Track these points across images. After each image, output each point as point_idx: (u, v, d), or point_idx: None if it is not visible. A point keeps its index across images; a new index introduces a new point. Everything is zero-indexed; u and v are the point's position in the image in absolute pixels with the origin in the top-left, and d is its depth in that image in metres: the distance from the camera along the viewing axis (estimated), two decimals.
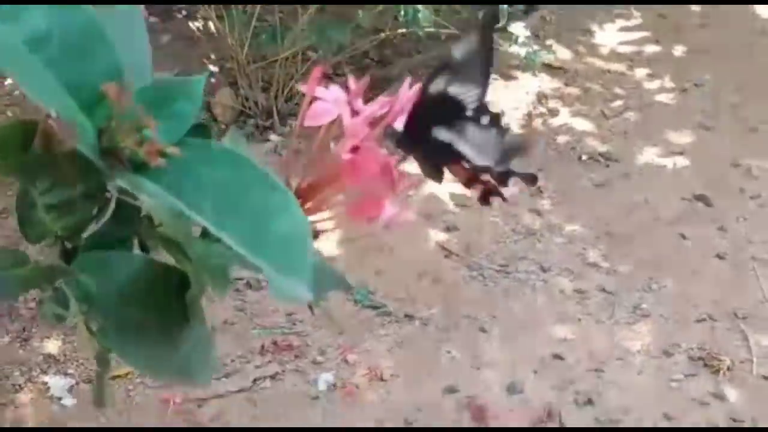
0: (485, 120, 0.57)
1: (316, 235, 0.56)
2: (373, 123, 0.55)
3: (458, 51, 0.57)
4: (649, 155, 2.73)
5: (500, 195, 0.58)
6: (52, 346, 1.97)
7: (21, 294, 0.55)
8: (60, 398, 1.87)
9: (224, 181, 0.48)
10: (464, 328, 2.09)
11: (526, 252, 2.33)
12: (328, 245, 2.15)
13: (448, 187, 2.26)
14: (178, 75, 0.60)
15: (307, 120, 0.54)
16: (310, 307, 0.62)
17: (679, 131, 2.82)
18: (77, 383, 1.90)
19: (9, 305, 2.03)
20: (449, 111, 0.57)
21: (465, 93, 0.57)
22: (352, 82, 0.55)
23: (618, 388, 1.99)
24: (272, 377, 1.94)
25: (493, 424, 1.87)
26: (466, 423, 1.87)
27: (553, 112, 2.90)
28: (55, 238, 0.55)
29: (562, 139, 2.78)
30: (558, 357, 2.05)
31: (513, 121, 2.79)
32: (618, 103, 2.98)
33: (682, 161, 2.70)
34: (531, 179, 0.58)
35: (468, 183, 0.58)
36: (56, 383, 1.89)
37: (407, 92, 0.55)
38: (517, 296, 2.20)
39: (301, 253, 0.46)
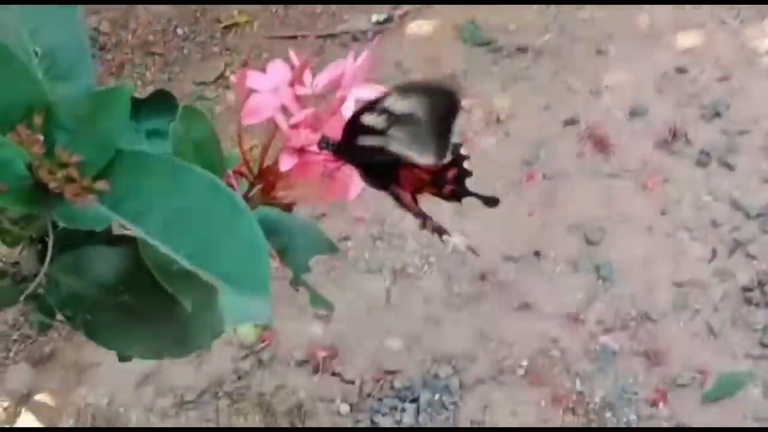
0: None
1: (289, 207, 0.55)
2: (314, 125, 0.49)
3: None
4: None
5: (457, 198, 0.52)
6: None
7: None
8: None
9: (168, 194, 0.46)
10: (580, 53, 2.01)
11: None
12: None
13: None
14: None
15: (245, 118, 0.50)
16: None
17: None
18: None
19: None
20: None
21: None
22: (293, 56, 0.51)
23: (746, 96, 1.91)
24: None
25: (616, 152, 1.86)
26: (589, 154, 1.86)
27: None
28: (30, 241, 0.55)
29: None
30: (681, 70, 1.96)
31: None
32: None
33: None
34: (492, 201, 0.53)
35: (415, 196, 0.52)
36: None
37: (354, 63, 0.50)
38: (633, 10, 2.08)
39: (258, 266, 0.44)
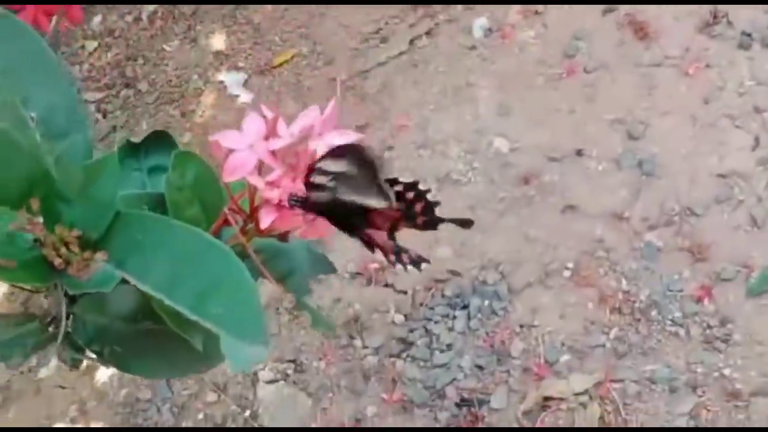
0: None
1: (284, 237, 0.58)
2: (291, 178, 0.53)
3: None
4: None
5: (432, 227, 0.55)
6: (218, 41, 2.05)
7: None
8: (238, 95, 1.99)
9: (165, 250, 0.51)
10: None
11: None
12: None
13: None
14: None
15: (226, 177, 0.53)
16: None
17: None
18: (249, 77, 2.00)
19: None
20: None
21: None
22: (265, 110, 0.53)
23: None
24: (428, 33, 1.96)
25: (656, 38, 1.83)
26: (630, 43, 1.84)
27: None
28: (54, 287, 0.59)
29: None
30: None
31: None
32: None
33: None
34: (466, 223, 0.56)
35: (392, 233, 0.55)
36: (231, 80, 2.01)
37: (324, 113, 0.53)
38: None
39: (251, 315, 0.48)
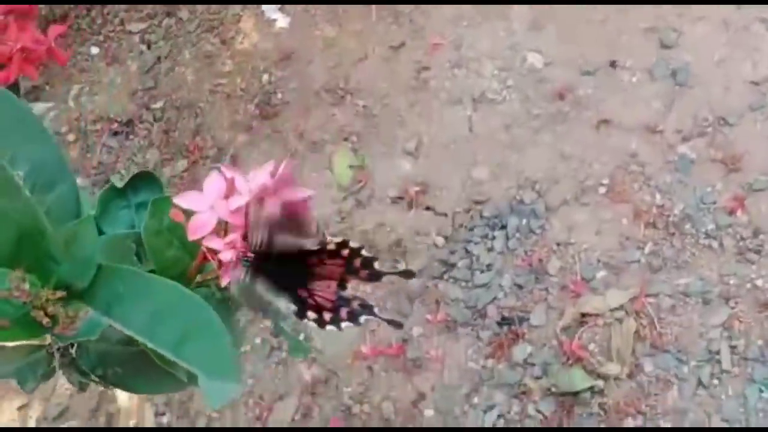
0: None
1: None
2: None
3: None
4: None
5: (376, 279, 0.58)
6: None
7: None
8: (275, 19, 2.00)
9: (144, 299, 0.56)
10: None
11: None
12: None
13: None
14: None
15: (191, 235, 0.56)
16: None
17: None
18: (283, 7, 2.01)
19: None
20: None
21: None
22: (225, 169, 0.57)
23: None
24: None
25: None
26: None
27: None
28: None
29: None
30: None
31: None
32: None
33: None
34: (408, 274, 0.61)
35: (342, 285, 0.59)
36: (268, 5, 2.02)
37: (279, 171, 0.56)
38: None
39: (223, 357, 0.54)
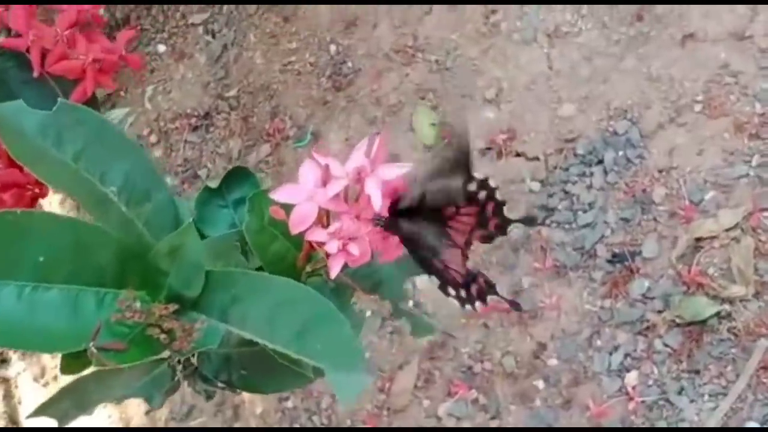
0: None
1: None
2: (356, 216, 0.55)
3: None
4: None
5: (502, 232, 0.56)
6: None
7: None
8: None
9: (258, 300, 0.55)
10: None
11: None
12: None
13: None
14: None
15: (294, 229, 0.54)
16: None
17: None
18: None
19: None
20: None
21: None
22: (317, 155, 0.54)
23: None
24: None
25: None
26: None
27: None
28: None
29: None
30: None
31: None
32: None
33: None
34: (530, 221, 0.58)
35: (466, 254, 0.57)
36: None
37: (370, 147, 0.54)
38: None
39: (348, 346, 0.53)
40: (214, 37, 2.06)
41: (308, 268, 0.63)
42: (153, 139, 1.94)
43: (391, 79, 1.78)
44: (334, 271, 0.55)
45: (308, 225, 0.54)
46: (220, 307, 0.57)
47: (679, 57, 1.59)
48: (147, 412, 1.67)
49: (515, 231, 1.60)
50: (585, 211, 1.57)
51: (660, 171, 1.54)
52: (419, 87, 1.75)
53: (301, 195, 0.54)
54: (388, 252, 0.58)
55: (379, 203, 0.53)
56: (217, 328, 0.57)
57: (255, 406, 1.62)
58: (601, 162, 1.58)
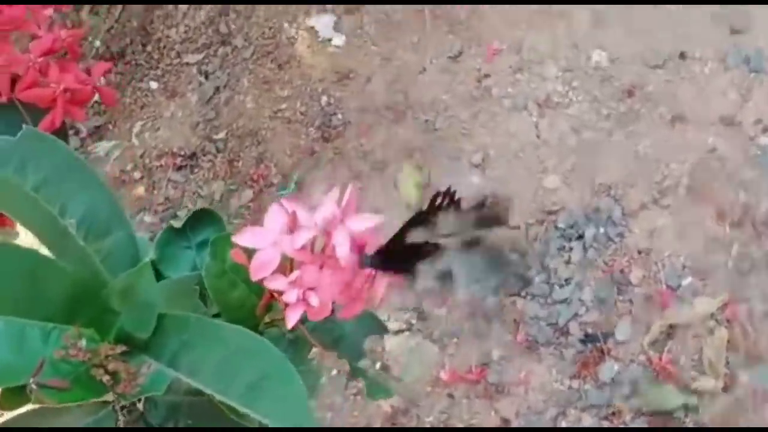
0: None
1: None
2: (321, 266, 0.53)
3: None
4: None
5: None
6: None
7: None
8: (330, 39, 1.97)
9: (210, 348, 0.53)
10: None
11: None
12: None
13: None
14: None
15: (254, 275, 0.52)
16: None
17: None
18: (338, 18, 1.98)
19: None
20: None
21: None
22: (286, 201, 0.53)
23: None
24: None
25: None
26: None
27: None
28: None
29: None
30: None
31: None
32: None
33: None
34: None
35: None
36: (321, 24, 1.99)
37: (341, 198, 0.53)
38: None
39: (299, 404, 0.51)
40: (207, 78, 2.06)
41: (267, 318, 0.62)
42: (136, 175, 1.92)
43: (380, 134, 1.78)
44: (291, 321, 0.53)
45: (269, 272, 0.52)
46: (171, 352, 0.54)
47: (667, 137, 1.59)
48: None
49: (489, 299, 1.58)
50: (561, 286, 1.55)
51: (639, 252, 1.53)
52: (407, 145, 1.75)
53: (265, 240, 0.52)
54: (350, 307, 0.56)
55: (345, 255, 0.51)
56: (165, 374, 0.55)
57: None
58: (581, 237, 1.57)
